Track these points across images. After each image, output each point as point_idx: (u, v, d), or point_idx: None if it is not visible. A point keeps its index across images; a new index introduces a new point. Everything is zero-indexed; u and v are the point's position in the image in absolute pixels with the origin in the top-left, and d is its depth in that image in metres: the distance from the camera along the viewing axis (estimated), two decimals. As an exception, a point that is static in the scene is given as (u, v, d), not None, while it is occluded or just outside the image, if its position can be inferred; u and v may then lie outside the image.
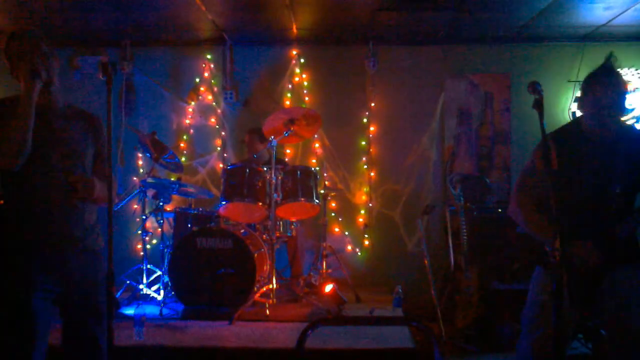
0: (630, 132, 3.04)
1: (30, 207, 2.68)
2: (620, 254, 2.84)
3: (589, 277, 2.79)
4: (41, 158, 2.67)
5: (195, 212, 5.72)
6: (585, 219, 2.80)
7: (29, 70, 2.61)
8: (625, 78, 3.50)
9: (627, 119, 6.51)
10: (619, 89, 2.90)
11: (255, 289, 5.09)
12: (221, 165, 6.87)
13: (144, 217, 5.64)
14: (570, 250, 2.73)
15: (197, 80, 7.00)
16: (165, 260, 5.50)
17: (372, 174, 6.90)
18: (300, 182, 5.27)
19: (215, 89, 7.02)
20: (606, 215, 2.83)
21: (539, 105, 2.56)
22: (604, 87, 2.87)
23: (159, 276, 5.71)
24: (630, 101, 6.58)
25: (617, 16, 5.96)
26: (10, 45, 2.73)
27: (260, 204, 5.17)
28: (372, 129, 6.90)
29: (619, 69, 2.93)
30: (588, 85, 2.95)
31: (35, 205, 2.68)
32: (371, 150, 6.91)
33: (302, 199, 5.23)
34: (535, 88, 2.58)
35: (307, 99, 6.93)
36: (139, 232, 5.78)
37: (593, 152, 2.91)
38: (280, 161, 6.04)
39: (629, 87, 6.55)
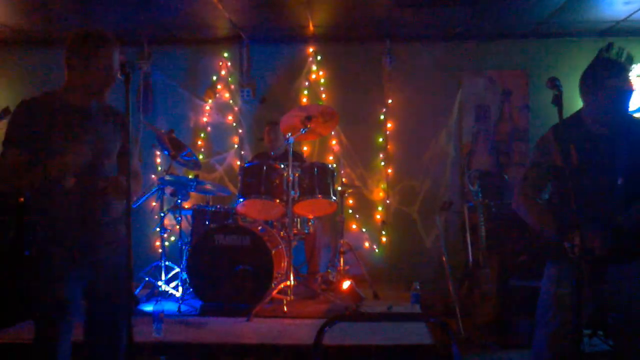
0: (633, 123, 2.97)
1: (62, 202, 2.72)
2: (630, 247, 2.81)
3: (593, 267, 2.75)
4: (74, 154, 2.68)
5: (213, 209, 5.74)
6: (590, 211, 2.77)
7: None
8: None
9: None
10: (625, 87, 2.86)
11: (273, 285, 5.10)
12: (238, 163, 6.91)
13: (162, 214, 5.68)
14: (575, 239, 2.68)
15: (214, 78, 7.04)
16: (184, 257, 5.53)
17: (389, 170, 6.89)
18: (317, 179, 5.27)
19: (232, 86, 7.05)
20: (610, 207, 2.80)
21: (558, 101, 2.54)
22: (609, 85, 2.84)
23: (177, 273, 5.74)
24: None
25: (637, 11, 5.88)
26: (89, 51, 2.74)
27: (278, 201, 5.18)
28: (389, 125, 6.89)
29: (627, 65, 2.89)
30: (594, 79, 2.91)
31: (67, 200, 2.71)
32: (388, 147, 6.90)
33: (320, 196, 5.23)
34: (554, 84, 2.56)
35: (324, 96, 6.93)
36: (158, 229, 5.82)
37: (595, 144, 2.87)
38: (297, 156, 6.05)
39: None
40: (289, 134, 5.22)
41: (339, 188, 5.89)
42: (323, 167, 5.39)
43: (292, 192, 5.13)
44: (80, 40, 2.76)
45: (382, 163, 6.90)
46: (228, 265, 5.12)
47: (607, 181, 2.83)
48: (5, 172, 2.71)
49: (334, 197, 5.34)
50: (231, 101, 7.05)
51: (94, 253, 2.79)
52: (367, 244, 6.86)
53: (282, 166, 5.26)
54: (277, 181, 5.22)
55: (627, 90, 2.88)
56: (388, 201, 6.88)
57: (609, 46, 2.91)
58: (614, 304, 2.89)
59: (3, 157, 2.69)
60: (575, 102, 2.96)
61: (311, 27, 6.56)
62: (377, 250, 6.85)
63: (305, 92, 6.97)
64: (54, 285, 2.70)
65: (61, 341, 2.69)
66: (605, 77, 2.86)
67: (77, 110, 2.77)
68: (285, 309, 4.91)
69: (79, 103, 2.79)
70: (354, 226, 6.85)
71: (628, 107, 2.94)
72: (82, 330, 2.84)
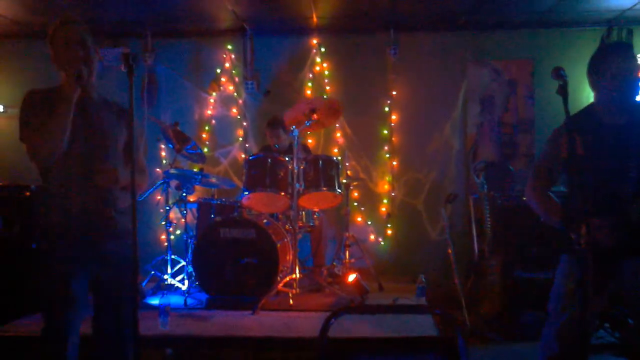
0: None
1: (68, 194, 2.75)
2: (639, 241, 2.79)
3: (605, 259, 2.73)
4: (78, 147, 2.74)
5: (218, 202, 5.75)
6: (602, 203, 2.75)
7: (73, 76, 2.69)
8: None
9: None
10: (632, 73, 2.84)
11: (279, 278, 5.11)
12: (243, 156, 6.90)
13: (167, 207, 5.69)
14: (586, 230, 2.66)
15: (218, 70, 7.02)
16: (189, 251, 5.54)
17: (394, 162, 6.87)
18: (322, 172, 5.26)
19: (237, 79, 7.03)
20: (622, 200, 2.78)
21: (563, 91, 2.52)
22: (614, 69, 2.82)
23: (183, 266, 5.75)
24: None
25: (643, -1, 5.84)
26: (57, 35, 2.80)
27: (283, 193, 5.17)
28: (393, 117, 6.87)
29: (631, 47, 2.87)
30: (598, 64, 2.90)
31: (72, 192, 2.75)
32: (393, 138, 6.88)
33: (325, 189, 5.22)
34: (559, 74, 2.54)
35: (328, 88, 6.90)
36: (163, 222, 5.84)
37: (607, 136, 2.85)
38: (303, 147, 6.03)
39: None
40: (294, 127, 5.21)
41: (344, 180, 5.88)
42: (328, 160, 5.38)
43: (297, 185, 5.12)
44: (49, 33, 2.83)
45: (387, 155, 6.88)
46: (233, 259, 5.14)
47: (619, 172, 2.81)
48: (41, 137, 2.67)
49: (339, 190, 5.33)
50: (235, 94, 7.04)
51: (101, 247, 2.80)
52: (372, 237, 6.85)
53: (287, 159, 5.25)
54: (282, 174, 5.21)
55: (635, 77, 2.85)
56: (393, 193, 6.87)
57: (609, 31, 2.90)
58: (627, 302, 2.87)
59: (30, 125, 2.71)
60: (580, 92, 2.95)
61: (315, 19, 6.53)
62: (382, 243, 6.84)
63: (310, 84, 6.94)
64: (61, 279, 2.71)
65: (69, 334, 2.71)
66: (611, 61, 2.84)
67: (76, 103, 2.74)
68: (291, 301, 4.91)
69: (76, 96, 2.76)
70: (359, 219, 6.84)
71: (637, 94, 2.91)
72: (90, 324, 2.86)
